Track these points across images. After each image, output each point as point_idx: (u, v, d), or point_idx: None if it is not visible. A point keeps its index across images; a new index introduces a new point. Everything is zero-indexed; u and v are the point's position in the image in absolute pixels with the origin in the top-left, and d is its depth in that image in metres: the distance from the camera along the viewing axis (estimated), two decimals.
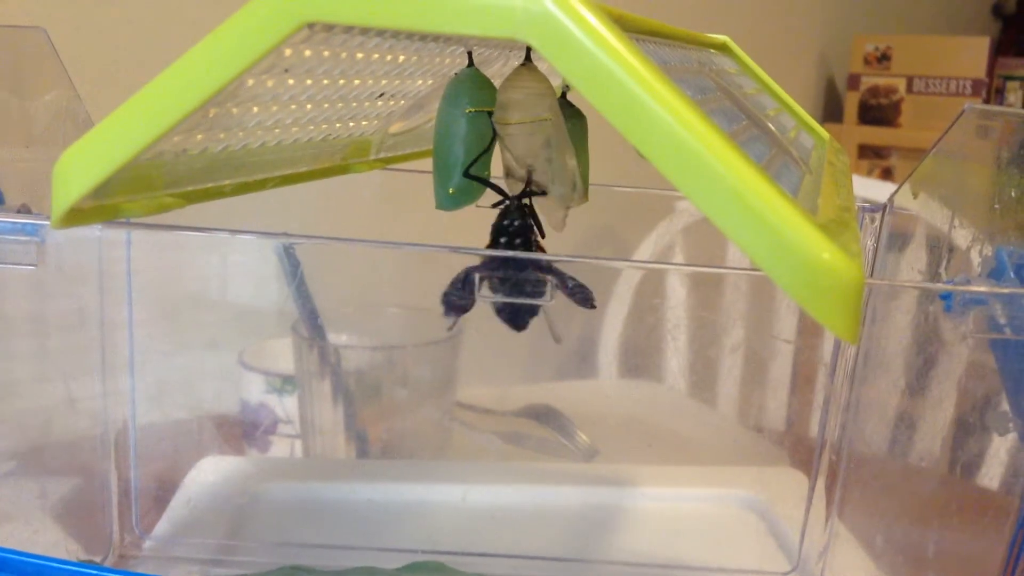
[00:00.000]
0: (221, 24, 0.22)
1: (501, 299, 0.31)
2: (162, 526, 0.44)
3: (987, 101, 1.71)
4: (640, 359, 0.67)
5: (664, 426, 0.61)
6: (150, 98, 0.22)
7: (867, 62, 1.78)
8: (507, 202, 0.31)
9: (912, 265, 0.38)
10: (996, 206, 0.33)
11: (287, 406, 0.57)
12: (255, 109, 0.26)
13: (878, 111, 1.78)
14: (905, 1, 2.09)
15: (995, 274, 0.32)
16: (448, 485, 0.47)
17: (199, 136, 0.25)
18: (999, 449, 0.35)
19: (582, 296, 0.31)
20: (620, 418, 0.60)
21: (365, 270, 0.54)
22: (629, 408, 0.62)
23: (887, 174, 1.77)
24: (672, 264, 0.83)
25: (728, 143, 0.20)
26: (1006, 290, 0.28)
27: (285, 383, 0.57)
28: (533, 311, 0.31)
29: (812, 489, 0.42)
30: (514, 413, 0.62)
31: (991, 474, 0.36)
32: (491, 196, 0.32)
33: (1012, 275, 0.31)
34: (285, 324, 0.57)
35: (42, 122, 0.35)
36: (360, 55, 0.26)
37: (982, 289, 0.28)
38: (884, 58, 1.76)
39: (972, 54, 1.70)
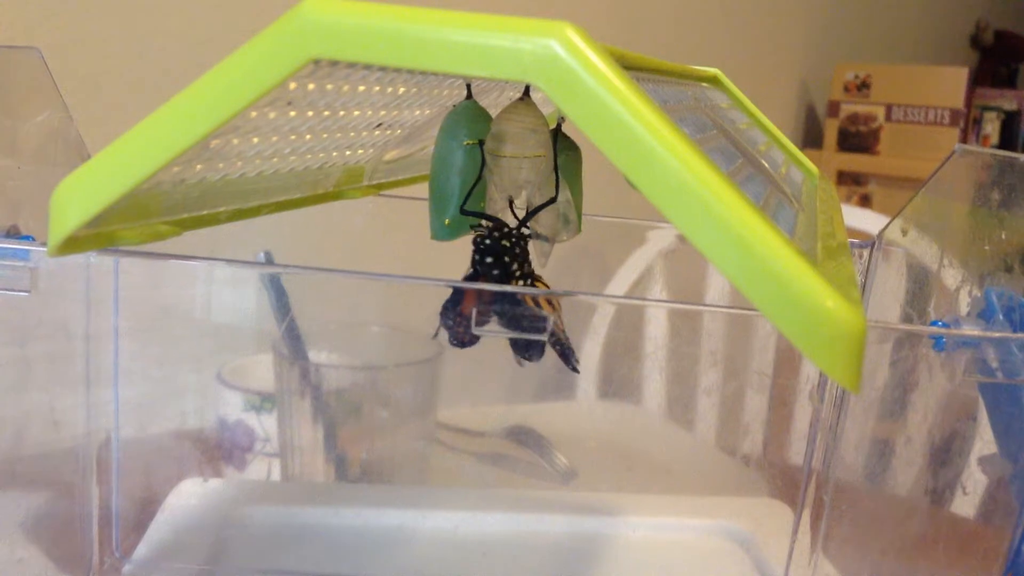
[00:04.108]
0: (227, 57, 0.21)
1: (498, 333, 0.31)
2: (141, 549, 0.43)
3: (964, 131, 1.73)
4: (619, 381, 0.67)
5: (644, 450, 0.61)
6: (153, 129, 0.22)
7: (847, 90, 1.80)
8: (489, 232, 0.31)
9: (900, 301, 0.38)
10: (986, 247, 0.33)
11: (265, 424, 0.56)
12: (256, 140, 0.25)
13: (857, 138, 1.80)
14: (885, 30, 2.12)
15: (984, 315, 0.32)
16: (435, 512, 0.47)
17: (198, 166, 0.25)
18: (987, 485, 0.35)
19: (561, 351, 0.32)
20: (599, 440, 0.60)
21: (347, 289, 0.54)
22: (608, 430, 0.62)
23: (865, 201, 1.79)
24: (665, 302, 0.83)
25: (732, 189, 0.20)
26: (997, 334, 0.28)
27: (264, 401, 0.56)
28: (542, 343, 0.31)
29: (797, 522, 0.42)
30: (494, 434, 0.62)
31: (979, 510, 0.37)
32: None
33: (1001, 317, 0.31)
34: (265, 342, 0.56)
35: (33, 142, 0.35)
36: (362, 88, 0.26)
37: (975, 333, 0.28)
38: (864, 86, 1.78)
39: (950, 84, 1.72)
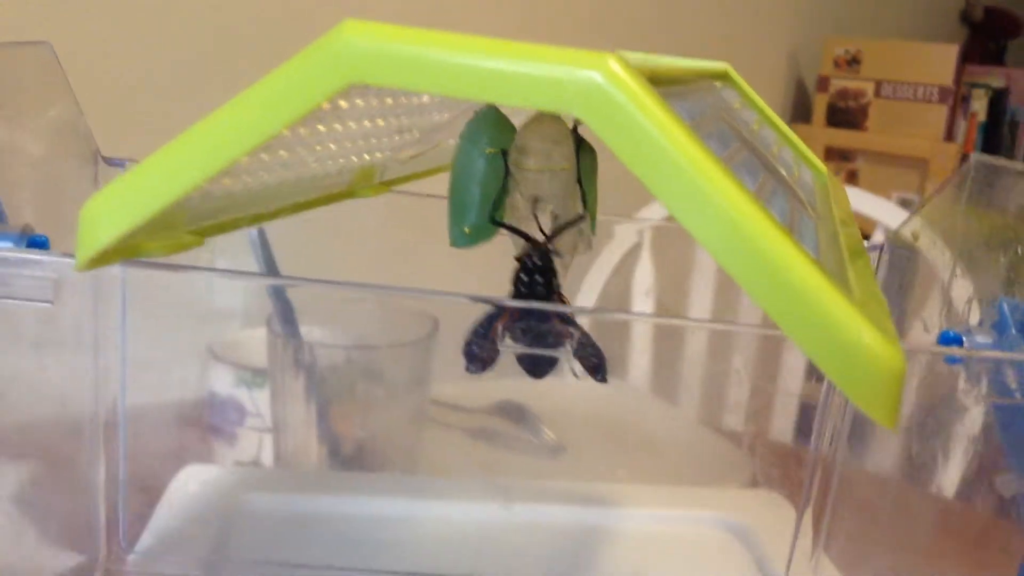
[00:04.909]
0: (264, 77, 0.21)
1: (522, 349, 0.31)
2: (146, 539, 0.43)
3: (953, 108, 1.73)
4: (610, 358, 0.67)
5: (631, 425, 0.61)
6: (188, 148, 0.22)
7: (837, 65, 1.80)
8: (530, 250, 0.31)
9: (909, 308, 0.39)
10: (1000, 258, 0.33)
11: (257, 400, 0.56)
12: (283, 153, 0.25)
13: (846, 114, 1.80)
14: (876, 4, 2.11)
15: (997, 327, 0.32)
16: (438, 501, 0.47)
17: (226, 180, 0.25)
18: (999, 497, 0.35)
19: (593, 362, 0.32)
20: (587, 416, 0.61)
21: (344, 265, 0.54)
22: (597, 406, 0.62)
23: (852, 177, 1.79)
24: (690, 320, 0.82)
25: (775, 225, 0.20)
26: (1018, 357, 0.28)
27: (256, 376, 0.56)
28: (552, 361, 0.31)
29: (799, 519, 0.43)
30: (483, 410, 0.63)
31: (990, 509, 0.37)
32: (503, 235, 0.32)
33: (1014, 331, 0.31)
34: (258, 317, 0.56)
35: (45, 137, 0.34)
36: (389, 100, 0.26)
37: (993, 354, 0.28)
38: (854, 62, 1.78)
39: (940, 61, 1.72)
